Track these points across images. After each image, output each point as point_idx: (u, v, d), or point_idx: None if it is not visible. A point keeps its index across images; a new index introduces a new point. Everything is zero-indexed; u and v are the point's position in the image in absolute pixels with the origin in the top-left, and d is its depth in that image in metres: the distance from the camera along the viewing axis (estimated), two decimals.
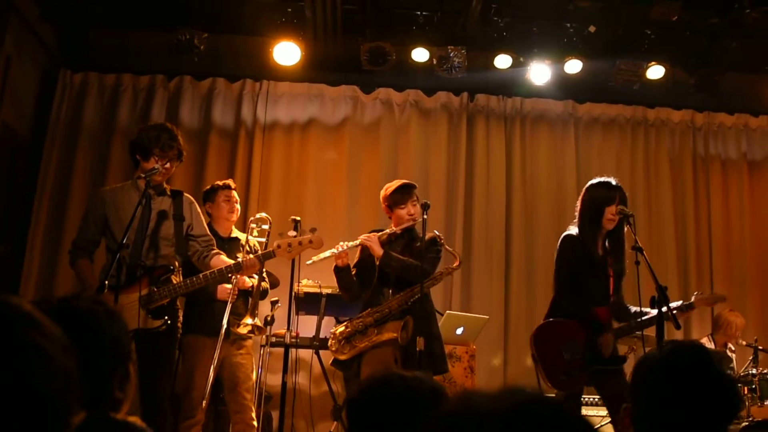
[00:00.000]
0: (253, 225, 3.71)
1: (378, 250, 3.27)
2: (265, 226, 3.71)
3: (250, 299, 3.52)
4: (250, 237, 3.75)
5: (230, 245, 3.80)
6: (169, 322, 3.16)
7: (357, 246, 3.38)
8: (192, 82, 6.12)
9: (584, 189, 3.34)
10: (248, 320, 3.38)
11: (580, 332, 3.15)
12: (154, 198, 3.32)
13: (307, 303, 4.36)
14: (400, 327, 3.15)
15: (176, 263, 3.34)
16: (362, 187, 5.92)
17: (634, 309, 3.28)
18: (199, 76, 6.10)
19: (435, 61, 5.51)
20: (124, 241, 3.03)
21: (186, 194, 3.49)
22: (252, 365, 3.74)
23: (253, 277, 3.67)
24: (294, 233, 3.36)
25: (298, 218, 3.47)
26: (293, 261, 3.44)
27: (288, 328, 3.51)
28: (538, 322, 3.30)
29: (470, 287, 5.85)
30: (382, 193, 3.49)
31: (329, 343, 3.40)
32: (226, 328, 3.38)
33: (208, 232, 3.47)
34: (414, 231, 3.43)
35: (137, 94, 6.05)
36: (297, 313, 4.25)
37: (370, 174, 5.97)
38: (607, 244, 3.30)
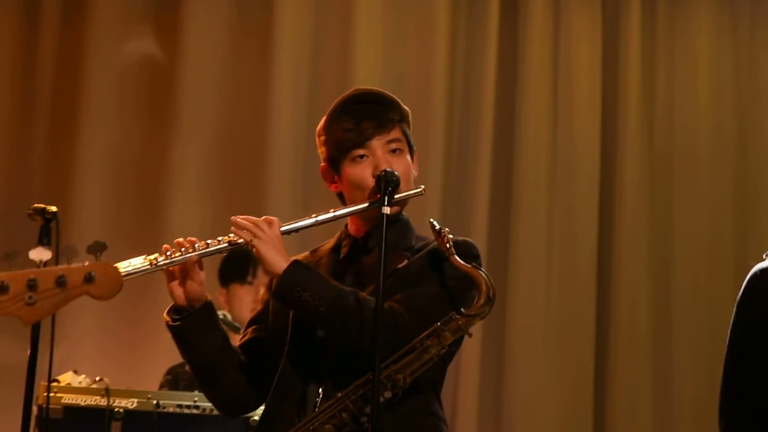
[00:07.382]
0: None
1: (272, 258, 3.43)
2: None
3: None
4: None
5: None
6: None
7: (223, 250, 3.52)
8: None
9: None
10: None
11: None
12: None
13: None
14: None
15: None
16: (230, 121, 6.56)
17: None
18: None
19: None
20: None
21: None
22: None
23: None
24: (44, 253, 3.34)
25: (54, 209, 3.71)
26: (36, 327, 3.46)
27: None
28: None
29: (503, 369, 6.36)
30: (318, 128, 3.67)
31: None
32: None
33: None
34: (406, 228, 3.65)
35: None
36: None
37: (253, 87, 6.60)
38: None
